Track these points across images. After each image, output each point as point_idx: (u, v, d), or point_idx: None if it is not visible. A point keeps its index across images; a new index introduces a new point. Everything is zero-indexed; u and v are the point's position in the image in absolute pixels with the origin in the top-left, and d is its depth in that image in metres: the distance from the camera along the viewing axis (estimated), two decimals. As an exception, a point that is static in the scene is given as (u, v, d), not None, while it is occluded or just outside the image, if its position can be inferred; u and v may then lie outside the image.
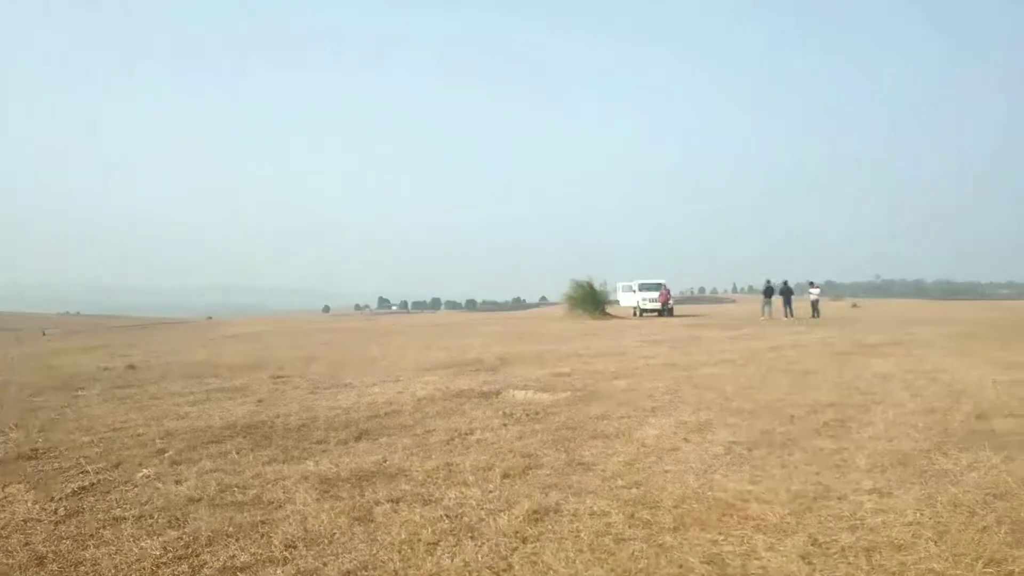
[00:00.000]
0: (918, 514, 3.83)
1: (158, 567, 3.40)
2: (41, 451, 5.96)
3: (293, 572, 3.30)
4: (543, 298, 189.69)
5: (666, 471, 4.85)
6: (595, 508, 4.07)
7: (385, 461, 5.30)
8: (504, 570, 3.28)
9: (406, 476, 4.88)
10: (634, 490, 4.42)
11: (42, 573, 3.38)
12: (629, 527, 3.75)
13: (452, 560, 3.38)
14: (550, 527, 3.79)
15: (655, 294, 39.51)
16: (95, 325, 48.71)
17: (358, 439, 6.16)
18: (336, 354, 15.37)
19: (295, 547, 3.61)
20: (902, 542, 3.45)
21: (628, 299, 42.69)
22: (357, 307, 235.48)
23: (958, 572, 3.13)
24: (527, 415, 7.06)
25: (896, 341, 15.14)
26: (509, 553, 3.46)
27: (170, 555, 3.54)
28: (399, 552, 3.50)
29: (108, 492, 4.69)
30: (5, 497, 4.63)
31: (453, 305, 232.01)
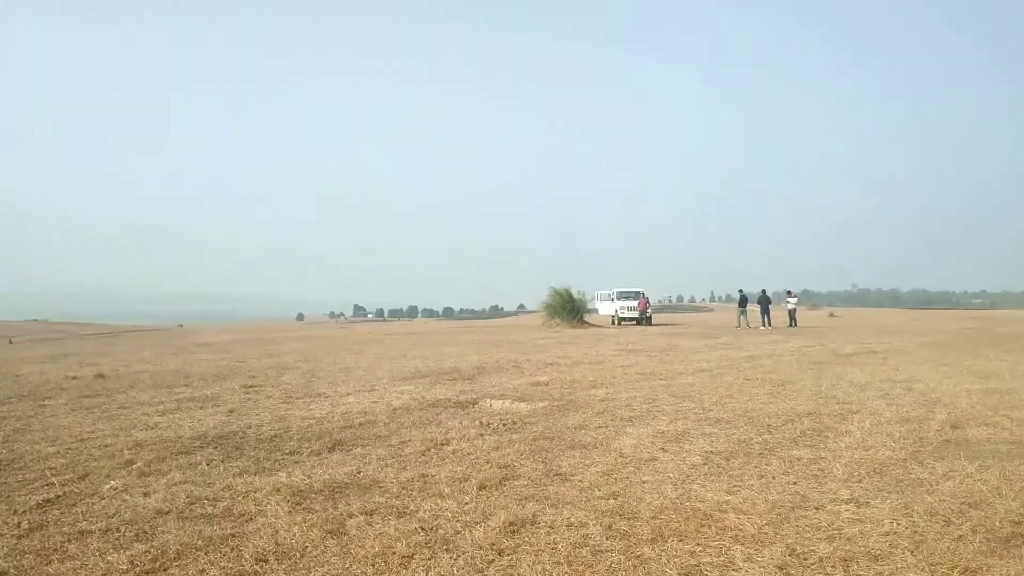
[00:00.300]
0: (895, 524, 3.83)
1: (123, 583, 3.30)
2: (4, 462, 5.82)
3: (263, 587, 3.22)
4: (521, 306, 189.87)
5: (644, 481, 4.82)
6: (572, 519, 4.02)
7: (359, 472, 5.22)
8: (480, 584, 3.22)
9: (380, 488, 4.80)
10: (612, 501, 4.38)
11: (1, 590, 3.27)
12: (607, 539, 3.71)
13: (427, 574, 3.33)
14: (527, 539, 3.74)
15: (633, 303, 39.72)
16: (63, 333, 47.95)
17: (331, 450, 6.07)
18: (309, 363, 15.20)
19: (266, 561, 3.53)
20: (879, 552, 3.45)
21: (606, 308, 42.85)
22: (332, 315, 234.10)
23: (935, 583, 3.12)
24: (504, 425, 7.00)
25: (872, 350, 15.30)
26: (485, 566, 3.40)
27: (137, 570, 3.45)
28: (372, 566, 3.44)
29: (74, 505, 4.58)
30: (-36, 511, 4.49)
31: (430, 313, 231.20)
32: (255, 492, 4.73)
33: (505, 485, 4.82)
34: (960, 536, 3.63)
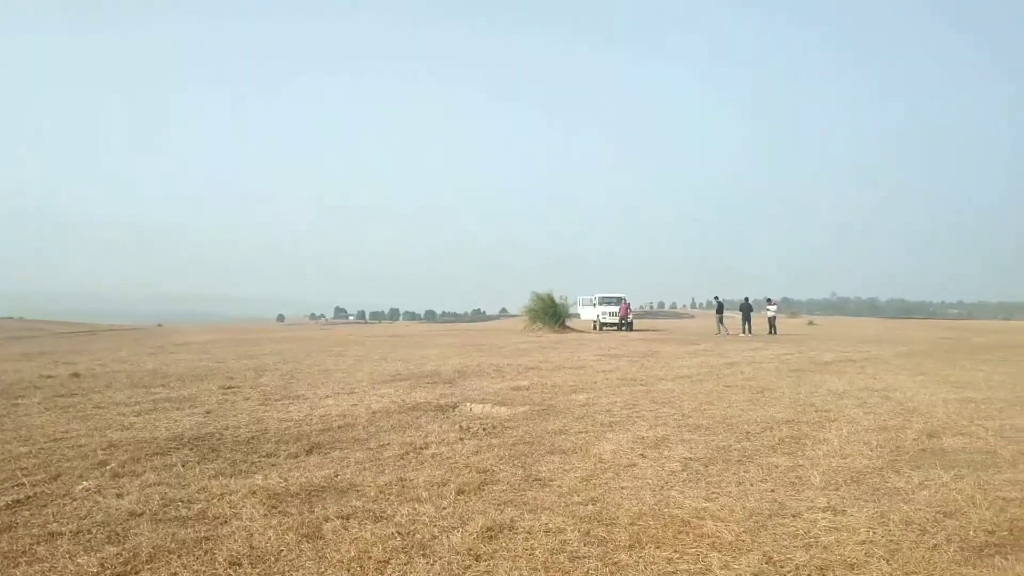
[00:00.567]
0: (871, 532, 3.85)
1: (93, 586, 3.25)
2: (-26, 462, 5.71)
3: (236, 592, 3.18)
4: (503, 310, 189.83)
5: (623, 487, 4.82)
6: (550, 525, 4.01)
7: (336, 476, 5.18)
8: (456, 589, 3.20)
9: (358, 491, 4.77)
10: (590, 507, 4.37)
11: (-34, 593, 3.21)
12: (584, 545, 3.71)
13: (403, 579, 3.30)
14: (504, 544, 3.73)
15: (615, 308, 39.79)
16: (38, 330, 47.26)
17: (309, 453, 6.02)
18: (289, 364, 15.09)
19: (240, 564, 3.49)
20: (855, 560, 3.46)
21: (588, 313, 42.91)
22: (312, 316, 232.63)
23: (910, 591, 3.14)
24: (484, 429, 6.98)
25: (850, 359, 15.42)
26: (462, 571, 3.38)
27: (108, 572, 3.41)
28: (348, 570, 3.41)
29: (44, 506, 4.50)
30: (-69, 511, 4.41)
31: (412, 316, 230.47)
32: (230, 495, 4.68)
33: (484, 490, 4.80)
34: (935, 545, 3.66)
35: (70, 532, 3.97)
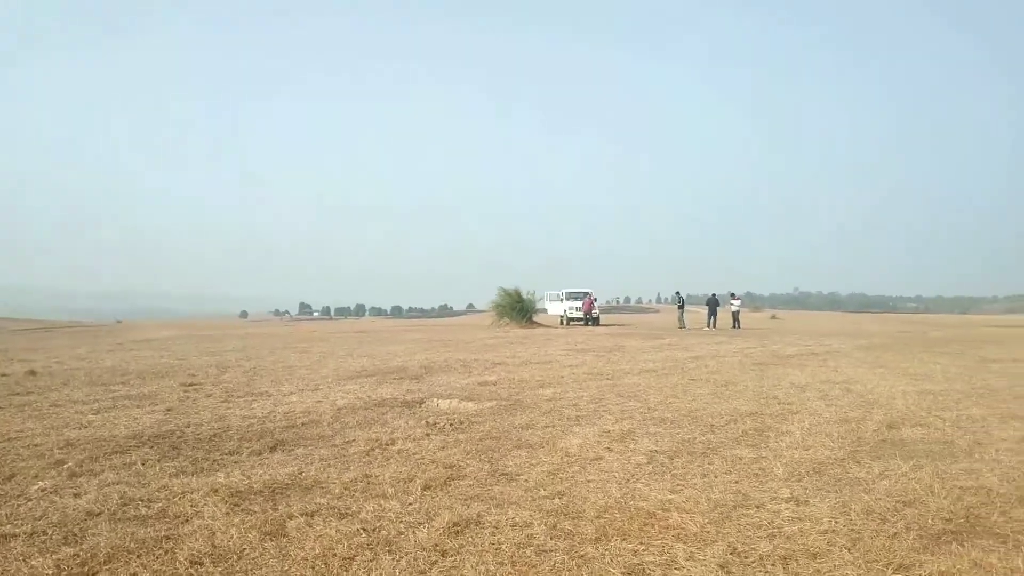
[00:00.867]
0: (833, 522, 3.92)
1: (49, 588, 3.17)
2: (-77, 463, 5.53)
3: (197, 592, 3.12)
4: (471, 305, 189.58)
5: (589, 481, 4.84)
6: (517, 519, 4.01)
7: (300, 473, 5.12)
8: (422, 585, 3.18)
9: (322, 488, 4.72)
10: (557, 500, 4.38)
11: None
12: (551, 538, 3.71)
13: (368, 576, 3.27)
14: (471, 539, 3.71)
15: (581, 303, 39.99)
16: (-5, 328, 46.06)
17: (273, 450, 5.94)
18: (252, 361, 14.88)
19: (201, 564, 3.43)
20: (817, 550, 3.52)
21: (555, 308, 43.07)
22: (277, 312, 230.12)
23: (870, 579, 3.20)
24: (451, 425, 6.96)
25: (812, 352, 15.68)
26: (428, 567, 3.36)
27: (64, 574, 3.32)
28: (312, 568, 3.37)
29: (-3, 507, 4.38)
30: None
31: (378, 312, 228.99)
32: (192, 493, 4.60)
33: (450, 485, 4.78)
34: (895, 533, 3.73)
35: (24, 534, 3.86)
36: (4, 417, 7.61)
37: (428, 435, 6.48)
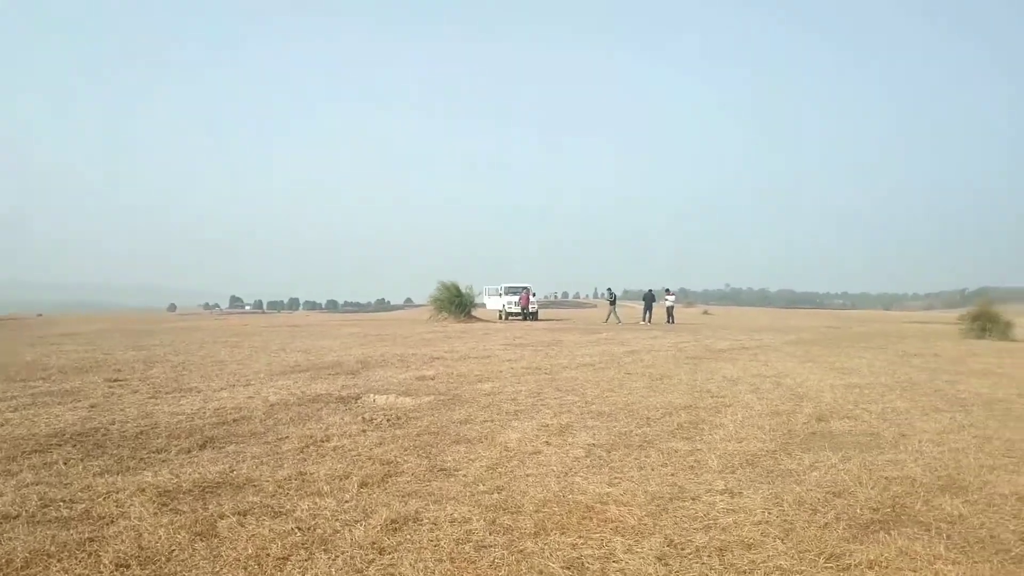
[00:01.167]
0: (766, 513, 4.00)
1: (-43, 598, 2.98)
2: None
3: (121, 597, 2.98)
4: (408, 300, 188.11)
5: (528, 475, 4.84)
6: (456, 515, 3.97)
7: (232, 471, 4.96)
8: (359, 584, 3.12)
9: (255, 487, 4.58)
10: (496, 495, 4.36)
11: None
12: (490, 534, 3.69)
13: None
14: (409, 536, 3.66)
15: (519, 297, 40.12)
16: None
17: (202, 447, 5.75)
18: (180, 356, 14.40)
19: (128, 567, 3.28)
20: (752, 541, 3.59)
21: (494, 302, 43.09)
22: (207, 306, 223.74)
23: (802, 568, 3.28)
24: (388, 420, 6.87)
25: (744, 347, 16.10)
26: (365, 566, 3.29)
27: (-26, 583, 3.13)
28: (245, 569, 3.26)
29: (-99, 512, 4.11)
30: None
31: (312, 305, 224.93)
32: (117, 493, 4.41)
33: (387, 482, 4.71)
34: (826, 524, 3.84)
35: (-68, 540, 3.64)
36: (-91, 416, 7.17)
37: (364, 431, 6.37)
